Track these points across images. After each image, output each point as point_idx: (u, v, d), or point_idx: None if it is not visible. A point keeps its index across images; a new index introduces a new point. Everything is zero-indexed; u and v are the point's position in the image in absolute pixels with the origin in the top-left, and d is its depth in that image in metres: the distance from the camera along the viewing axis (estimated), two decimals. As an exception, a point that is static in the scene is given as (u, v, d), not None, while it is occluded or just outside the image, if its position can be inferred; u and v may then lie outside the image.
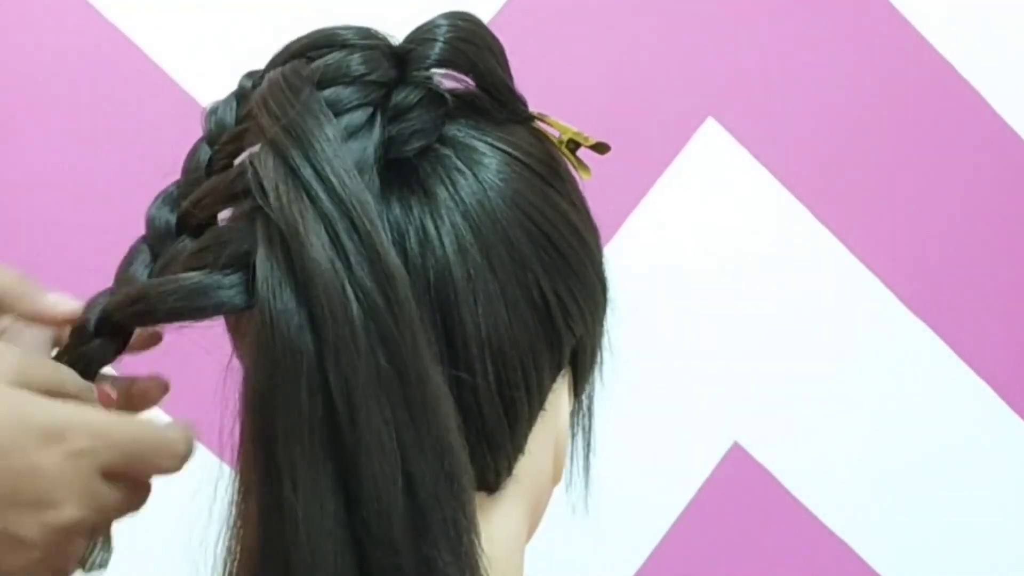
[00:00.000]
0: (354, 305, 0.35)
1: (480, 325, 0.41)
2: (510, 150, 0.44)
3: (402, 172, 0.42)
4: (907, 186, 1.02)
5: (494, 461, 0.43)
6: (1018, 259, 1.04)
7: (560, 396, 0.46)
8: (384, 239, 0.37)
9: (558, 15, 0.96)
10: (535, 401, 0.44)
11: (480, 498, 0.44)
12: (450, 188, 0.42)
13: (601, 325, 0.48)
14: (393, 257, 0.36)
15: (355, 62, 0.42)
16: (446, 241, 0.40)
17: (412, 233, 0.40)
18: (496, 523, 0.45)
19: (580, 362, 0.47)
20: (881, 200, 1.02)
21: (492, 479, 0.44)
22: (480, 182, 0.42)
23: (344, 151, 0.38)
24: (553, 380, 0.45)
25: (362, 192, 0.37)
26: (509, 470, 0.44)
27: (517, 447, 0.44)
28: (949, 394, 1.03)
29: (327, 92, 0.41)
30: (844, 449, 1.02)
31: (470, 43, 0.45)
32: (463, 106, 0.45)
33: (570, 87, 0.95)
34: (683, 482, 0.99)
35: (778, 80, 1.00)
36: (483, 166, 0.43)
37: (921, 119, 1.02)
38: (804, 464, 1.01)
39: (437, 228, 0.41)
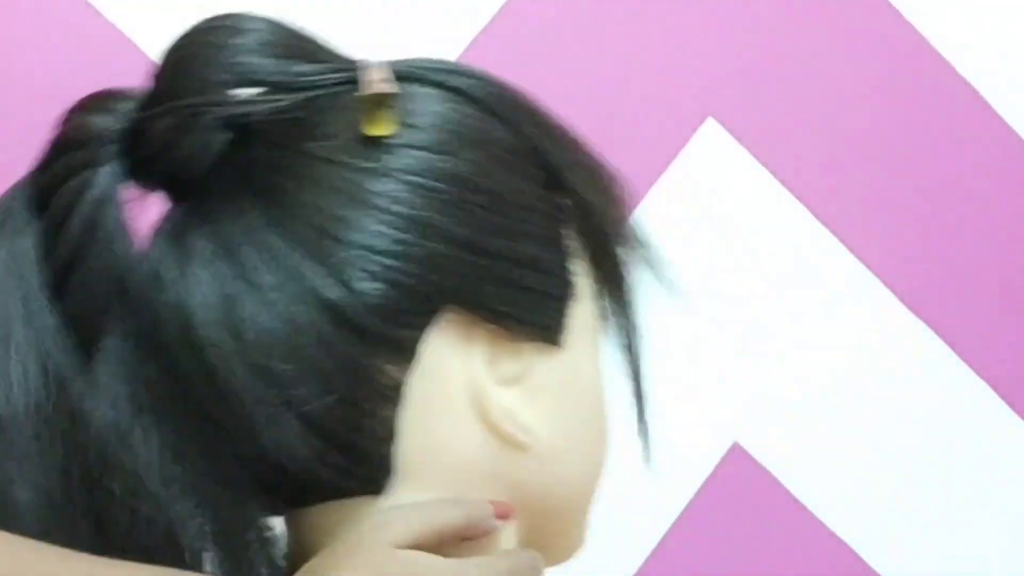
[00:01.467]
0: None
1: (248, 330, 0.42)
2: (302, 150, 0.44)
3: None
4: (907, 186, 1.02)
5: (340, 462, 0.42)
6: (1018, 259, 1.04)
7: (430, 373, 0.43)
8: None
9: (557, 15, 0.96)
10: (362, 391, 0.42)
11: (366, 502, 0.43)
12: (210, 208, 0.44)
13: (469, 280, 0.44)
14: None
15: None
16: (200, 275, 0.42)
17: (167, 274, 0.43)
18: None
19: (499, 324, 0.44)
20: (881, 200, 1.01)
21: (350, 482, 0.43)
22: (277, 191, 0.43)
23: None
24: (394, 363, 0.43)
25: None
26: (376, 465, 0.43)
27: (362, 440, 0.43)
28: (949, 394, 1.03)
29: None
30: (844, 449, 1.02)
31: (170, 71, 0.45)
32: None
33: (569, 88, 0.95)
34: (683, 482, 0.99)
35: (778, 80, 1.00)
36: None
37: (921, 119, 1.02)
38: (804, 464, 1.01)
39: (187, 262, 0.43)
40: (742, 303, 1.00)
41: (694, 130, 0.98)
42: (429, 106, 0.45)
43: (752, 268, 1.00)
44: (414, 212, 0.42)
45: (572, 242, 0.47)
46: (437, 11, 0.94)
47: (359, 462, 0.43)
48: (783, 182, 1.00)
